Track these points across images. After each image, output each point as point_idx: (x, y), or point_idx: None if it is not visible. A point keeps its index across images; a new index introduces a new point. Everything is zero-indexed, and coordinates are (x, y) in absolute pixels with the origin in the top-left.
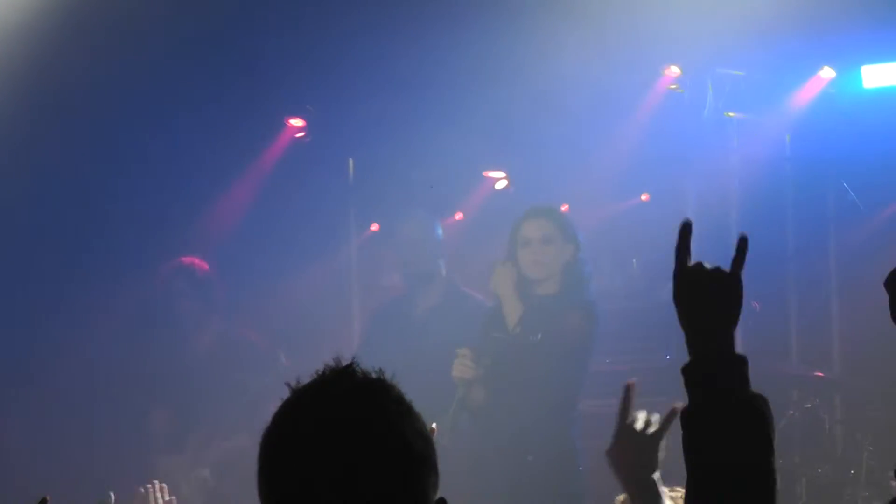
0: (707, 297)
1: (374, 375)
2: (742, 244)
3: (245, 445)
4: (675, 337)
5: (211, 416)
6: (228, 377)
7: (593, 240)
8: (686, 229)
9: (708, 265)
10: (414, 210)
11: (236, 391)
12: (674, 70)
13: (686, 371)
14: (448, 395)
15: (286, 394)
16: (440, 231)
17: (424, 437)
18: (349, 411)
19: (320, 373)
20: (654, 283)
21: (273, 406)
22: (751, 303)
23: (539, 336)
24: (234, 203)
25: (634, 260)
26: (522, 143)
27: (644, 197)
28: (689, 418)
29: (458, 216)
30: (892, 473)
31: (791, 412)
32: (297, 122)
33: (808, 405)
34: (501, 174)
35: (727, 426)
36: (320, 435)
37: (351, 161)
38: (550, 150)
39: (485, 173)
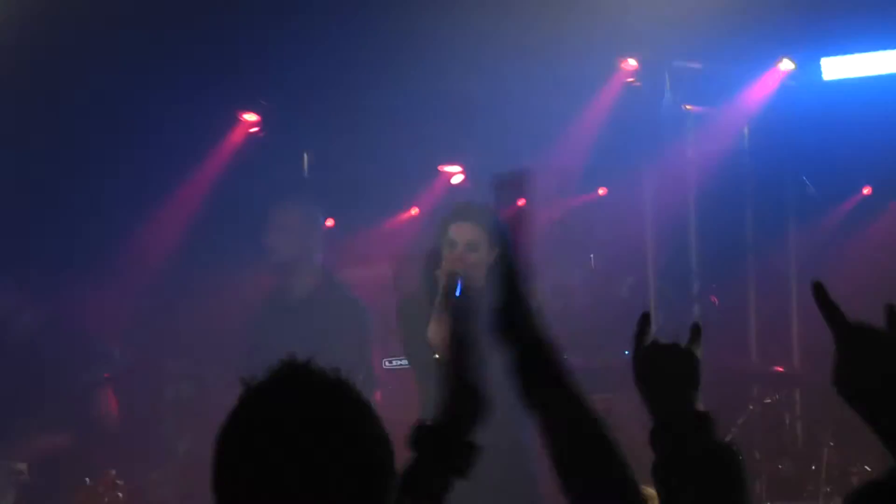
0: (665, 375)
1: (331, 375)
2: (695, 330)
3: (67, 444)
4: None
5: (30, 409)
6: (53, 370)
7: (550, 235)
8: (645, 321)
9: (663, 341)
10: (295, 198)
11: (61, 385)
12: (630, 63)
13: (653, 435)
14: None
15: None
16: (321, 221)
17: (384, 442)
18: (308, 412)
19: (276, 370)
20: (612, 279)
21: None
22: (709, 297)
23: None
24: (184, 199)
25: (592, 255)
26: (479, 136)
27: (601, 191)
28: (658, 469)
29: (414, 211)
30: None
31: (751, 408)
32: (251, 117)
33: (769, 400)
34: (457, 168)
35: (697, 477)
36: (278, 437)
37: (306, 155)
38: (507, 144)
39: (440, 167)
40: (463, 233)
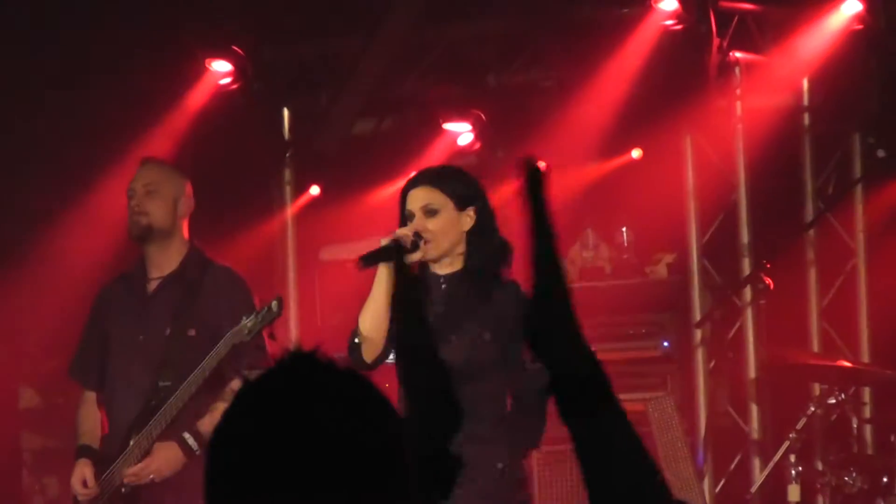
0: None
1: (343, 367)
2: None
3: None
4: (673, 320)
5: None
6: None
7: (575, 205)
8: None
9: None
10: (150, 159)
11: None
12: (669, 3)
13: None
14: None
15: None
16: (185, 187)
17: (409, 441)
18: (323, 414)
19: (280, 363)
20: (647, 256)
21: None
22: (761, 279)
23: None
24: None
25: (624, 229)
26: (491, 90)
27: (635, 153)
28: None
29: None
30: None
31: (812, 409)
32: (222, 66)
33: (833, 401)
34: (466, 126)
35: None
36: (289, 444)
37: (286, 112)
38: (524, 99)
39: (445, 124)
40: (416, 199)
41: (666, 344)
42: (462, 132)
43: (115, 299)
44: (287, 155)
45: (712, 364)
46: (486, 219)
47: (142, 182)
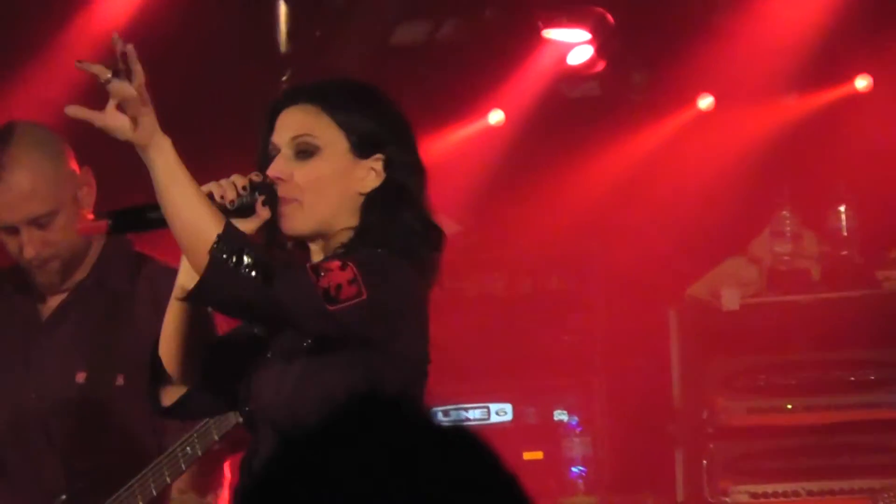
0: None
1: (424, 412)
2: None
3: None
4: None
5: None
6: None
7: (759, 169)
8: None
9: None
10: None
11: None
12: None
13: None
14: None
15: None
16: (74, 172)
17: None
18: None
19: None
20: (879, 253)
21: None
22: None
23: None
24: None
25: (843, 208)
26: None
27: (860, 83)
28: None
29: (495, 117)
30: None
31: None
32: None
33: None
34: (581, 35)
35: None
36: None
37: (283, 6)
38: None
39: (547, 31)
40: (287, 125)
41: None
42: (575, 44)
43: None
44: (283, 78)
45: None
46: (401, 178)
47: (21, 210)
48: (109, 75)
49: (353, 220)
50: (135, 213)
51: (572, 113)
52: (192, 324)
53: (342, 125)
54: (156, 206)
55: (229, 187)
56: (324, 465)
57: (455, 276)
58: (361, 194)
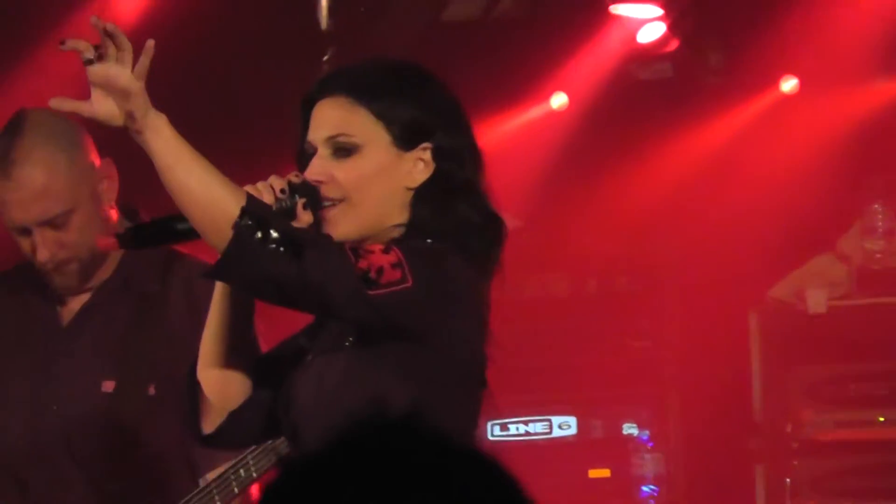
0: None
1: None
2: None
3: None
4: None
5: None
6: None
7: (847, 158)
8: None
9: None
10: (13, 130)
11: None
12: None
13: None
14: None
15: None
16: (93, 165)
17: None
18: None
19: (342, 435)
20: None
21: None
22: None
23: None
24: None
25: None
26: None
27: None
28: None
29: (557, 101)
30: None
31: None
32: None
33: None
34: (652, 10)
35: None
36: None
37: None
38: None
39: (615, 7)
40: (322, 121)
41: None
42: (645, 20)
43: None
44: (325, 59)
45: None
46: (453, 166)
47: (33, 210)
48: (92, 56)
49: (403, 217)
50: (160, 225)
51: (642, 96)
52: (234, 339)
53: (381, 117)
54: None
55: (266, 190)
56: (328, 485)
57: (513, 277)
58: (410, 189)
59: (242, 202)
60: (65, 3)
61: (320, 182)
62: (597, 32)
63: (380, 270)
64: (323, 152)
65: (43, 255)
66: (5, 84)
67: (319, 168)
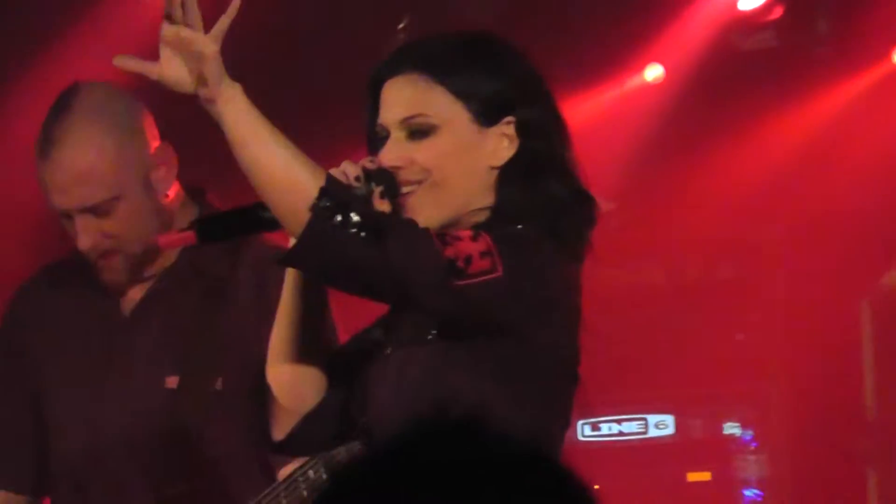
0: None
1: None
2: None
3: None
4: None
5: None
6: None
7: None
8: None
9: None
10: (66, 102)
11: None
12: None
13: None
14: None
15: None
16: (146, 143)
17: None
18: None
19: (393, 440)
20: None
21: None
22: None
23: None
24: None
25: None
26: None
27: None
28: None
29: (652, 73)
30: None
31: None
32: None
33: None
34: None
35: None
36: None
37: None
38: None
39: None
40: (394, 101)
41: None
42: None
43: (49, 321)
44: (400, 26)
45: None
46: (539, 141)
47: (73, 195)
48: (172, 11)
49: (488, 199)
50: (243, 214)
51: (744, 68)
52: (306, 335)
53: (459, 94)
54: (260, 205)
55: (339, 178)
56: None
57: (607, 263)
58: (494, 168)
59: (322, 182)
60: None
61: (397, 167)
62: (688, 4)
63: (468, 259)
64: (397, 135)
65: (84, 243)
66: (60, 46)
67: (395, 152)
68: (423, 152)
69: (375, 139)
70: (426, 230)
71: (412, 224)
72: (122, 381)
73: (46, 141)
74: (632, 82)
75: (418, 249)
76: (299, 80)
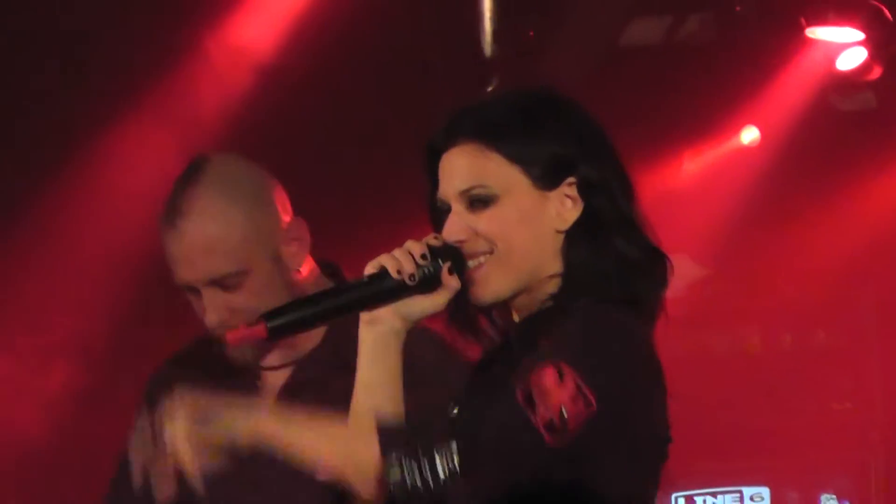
0: None
1: None
2: None
3: None
4: None
5: None
6: None
7: None
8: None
9: None
10: (193, 175)
11: None
12: None
13: None
14: None
15: None
16: (278, 216)
17: None
18: None
19: None
20: None
21: None
22: None
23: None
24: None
25: None
26: None
27: None
28: None
29: (748, 136)
30: None
31: None
32: None
33: None
34: (852, 34)
35: None
36: None
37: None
38: None
39: (811, 30)
40: (452, 172)
41: None
42: (846, 45)
43: None
44: (489, 89)
45: None
46: (603, 198)
47: (198, 267)
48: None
49: (556, 264)
50: (309, 303)
51: (843, 129)
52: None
53: (517, 159)
54: (328, 294)
55: (406, 258)
56: None
57: (701, 330)
58: (560, 231)
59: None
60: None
61: (462, 241)
62: (791, 59)
63: (562, 413)
64: (458, 207)
65: (211, 319)
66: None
67: (458, 225)
68: (485, 223)
69: (437, 213)
70: (512, 412)
71: (502, 416)
72: (262, 482)
73: (173, 211)
74: (728, 145)
75: (513, 447)
76: (380, 146)
